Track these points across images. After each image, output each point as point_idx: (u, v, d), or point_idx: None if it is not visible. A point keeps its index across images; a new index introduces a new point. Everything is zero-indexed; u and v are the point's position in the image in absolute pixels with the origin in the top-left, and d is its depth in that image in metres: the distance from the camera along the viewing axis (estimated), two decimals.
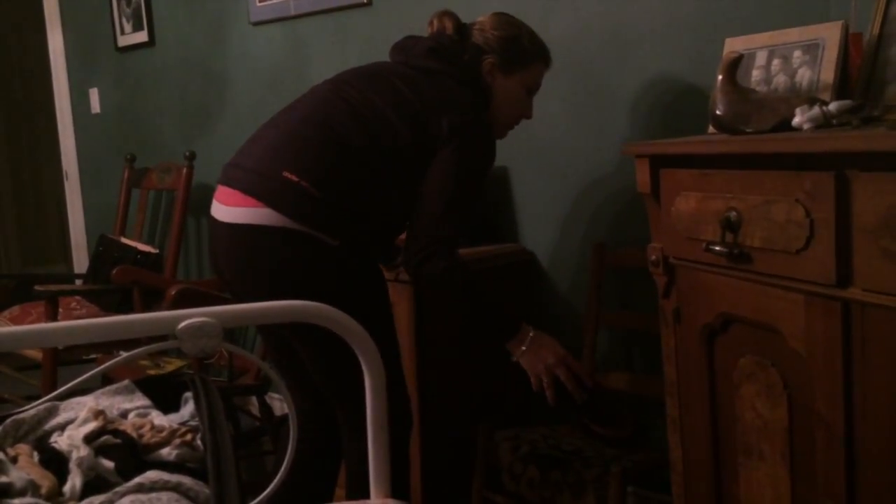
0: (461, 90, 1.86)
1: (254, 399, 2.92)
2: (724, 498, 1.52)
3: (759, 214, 1.31)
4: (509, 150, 2.52)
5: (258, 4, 3.37)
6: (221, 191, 1.80)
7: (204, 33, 3.69)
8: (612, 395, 2.25)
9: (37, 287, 2.99)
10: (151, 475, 1.16)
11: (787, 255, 1.26)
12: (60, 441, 1.25)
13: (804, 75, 1.65)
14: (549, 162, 2.51)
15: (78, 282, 3.91)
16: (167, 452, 1.25)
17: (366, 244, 1.79)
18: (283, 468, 1.24)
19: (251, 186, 1.73)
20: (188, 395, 1.44)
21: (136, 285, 3.05)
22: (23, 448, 1.24)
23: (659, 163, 1.57)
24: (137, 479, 1.16)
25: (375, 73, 1.88)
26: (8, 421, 1.31)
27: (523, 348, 1.83)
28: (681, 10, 2.17)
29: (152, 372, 2.67)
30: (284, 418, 2.69)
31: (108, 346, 2.98)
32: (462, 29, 1.96)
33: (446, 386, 2.35)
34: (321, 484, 2.00)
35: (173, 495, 1.13)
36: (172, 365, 2.78)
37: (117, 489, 1.14)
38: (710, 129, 1.62)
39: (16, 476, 1.14)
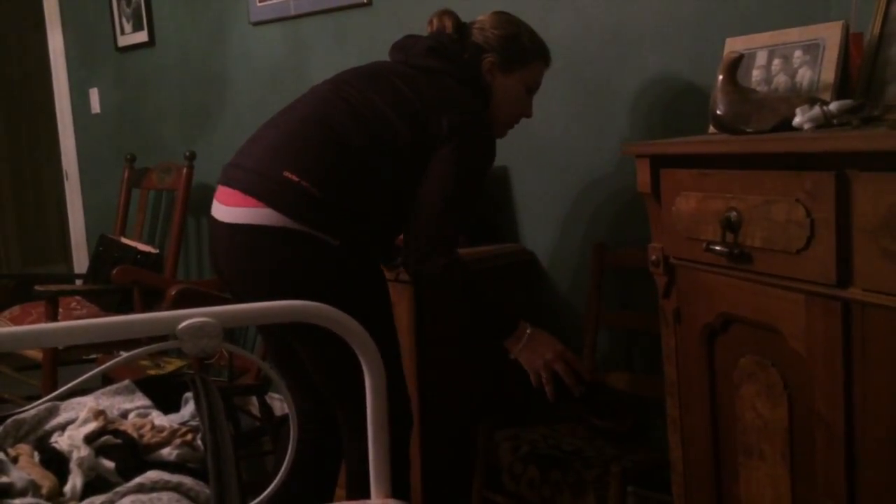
0: (461, 89, 1.86)
1: (254, 399, 2.92)
2: (725, 498, 1.52)
3: (760, 214, 1.31)
4: (509, 150, 2.52)
5: (258, 4, 3.37)
6: (221, 191, 1.80)
7: (204, 33, 3.69)
8: (610, 389, 2.25)
9: (37, 287, 2.99)
10: (152, 475, 1.16)
11: (787, 254, 1.26)
12: (61, 441, 1.25)
13: (804, 75, 1.65)
14: (550, 162, 2.51)
15: (78, 282, 3.91)
16: (168, 452, 1.25)
17: (366, 244, 1.79)
18: (283, 468, 1.24)
19: (251, 186, 1.73)
20: (188, 395, 1.44)
21: (137, 285, 3.05)
22: (23, 448, 1.24)
23: (659, 163, 1.57)
24: (138, 480, 1.16)
25: (375, 73, 1.88)
26: (8, 421, 1.32)
27: (521, 345, 1.84)
28: (681, 10, 2.17)
29: (152, 372, 2.67)
30: (284, 418, 2.69)
31: (109, 347, 2.98)
32: (462, 28, 1.96)
33: (446, 386, 2.35)
34: (321, 484, 2.00)
35: (174, 495, 1.13)
36: (172, 365, 2.78)
37: (118, 489, 1.15)
38: (711, 128, 1.62)
39: (16, 476, 1.14)
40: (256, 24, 3.41)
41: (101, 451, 1.23)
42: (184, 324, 1.04)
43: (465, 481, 2.30)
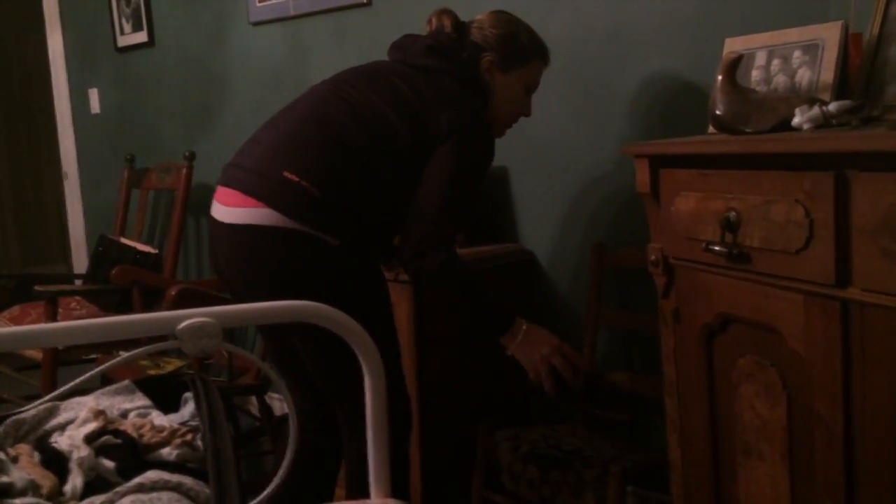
0: (460, 88, 1.86)
1: (254, 399, 2.92)
2: (724, 497, 1.52)
3: (759, 214, 1.31)
4: (509, 150, 2.53)
5: (258, 4, 3.37)
6: (221, 191, 1.80)
7: (204, 33, 3.69)
8: (609, 381, 2.25)
9: (36, 287, 2.99)
10: (152, 475, 1.17)
11: (786, 255, 1.26)
12: (61, 441, 1.26)
13: (804, 75, 1.66)
14: (549, 162, 2.51)
15: (78, 282, 3.91)
16: (167, 452, 1.26)
17: (366, 244, 1.79)
18: (282, 468, 1.24)
19: (251, 187, 1.73)
20: (188, 395, 1.44)
21: (136, 285, 3.05)
22: (23, 448, 1.24)
23: (658, 163, 1.57)
24: (138, 479, 1.16)
25: (374, 73, 1.88)
26: (8, 421, 1.32)
27: (518, 341, 1.84)
28: (681, 10, 2.17)
29: (152, 372, 2.67)
30: (284, 418, 2.69)
31: (108, 347, 2.98)
32: (461, 27, 1.96)
33: (446, 386, 2.35)
34: (321, 484, 2.00)
35: (174, 495, 1.13)
36: (172, 365, 2.78)
37: (118, 489, 1.15)
38: (710, 129, 1.62)
39: (17, 476, 1.15)
40: (256, 24, 3.41)
41: (101, 451, 1.23)
42: (183, 324, 1.04)
43: (465, 481, 2.30)
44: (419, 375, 2.27)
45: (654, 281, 1.63)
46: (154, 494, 1.12)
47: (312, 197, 1.70)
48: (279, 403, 3.25)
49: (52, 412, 1.35)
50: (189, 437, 1.29)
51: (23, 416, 1.33)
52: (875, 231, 1.12)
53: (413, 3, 2.77)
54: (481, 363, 2.41)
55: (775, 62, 1.71)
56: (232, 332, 3.25)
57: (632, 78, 2.30)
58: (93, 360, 3.16)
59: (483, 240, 2.54)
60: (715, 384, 1.50)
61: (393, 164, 1.78)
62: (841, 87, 1.61)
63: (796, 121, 1.41)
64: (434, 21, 1.98)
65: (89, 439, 1.24)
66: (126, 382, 1.47)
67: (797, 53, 1.67)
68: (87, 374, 1.14)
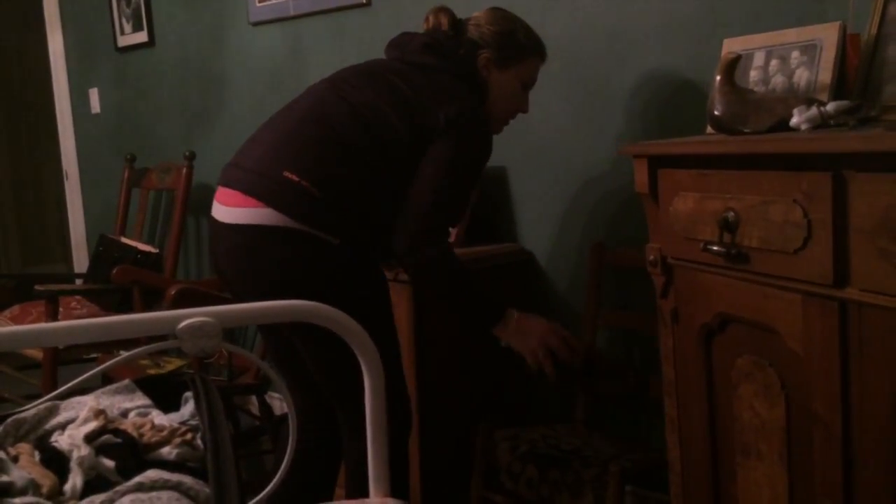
0: (458, 85, 1.86)
1: (254, 398, 2.92)
2: (722, 497, 1.52)
3: (757, 215, 1.31)
4: (508, 150, 2.53)
5: (258, 5, 3.37)
6: (222, 192, 1.81)
7: (204, 33, 3.69)
8: (607, 354, 2.26)
9: (37, 287, 2.99)
10: (152, 474, 1.17)
11: (784, 255, 1.26)
12: (61, 440, 1.26)
13: (802, 76, 1.66)
14: (548, 162, 2.52)
15: (78, 281, 3.91)
16: (167, 452, 1.26)
17: (366, 243, 1.80)
18: (282, 467, 1.24)
19: (251, 187, 1.73)
20: (188, 394, 1.44)
21: (136, 285, 3.05)
22: (24, 447, 1.25)
23: (657, 163, 1.57)
24: (138, 479, 1.16)
25: (373, 71, 1.88)
26: (9, 420, 1.32)
27: (511, 330, 1.84)
28: (680, 10, 2.17)
29: (152, 371, 2.67)
30: (284, 417, 2.69)
31: (109, 346, 2.99)
32: (458, 24, 1.96)
33: (446, 386, 2.36)
34: (320, 483, 2.00)
35: (174, 494, 1.14)
36: (172, 364, 2.78)
37: (118, 488, 1.15)
38: (709, 129, 1.63)
39: (17, 475, 1.15)
40: (256, 24, 3.41)
41: (101, 451, 1.23)
42: (183, 323, 1.05)
43: (464, 480, 2.30)
44: (419, 375, 2.27)
45: (653, 281, 1.63)
46: (154, 494, 1.13)
47: (312, 196, 1.71)
48: (279, 403, 3.25)
49: (52, 411, 1.35)
50: (189, 436, 1.29)
51: (23, 415, 1.33)
52: (873, 231, 1.12)
53: (412, 3, 2.78)
54: (481, 363, 2.41)
55: (773, 62, 1.72)
56: (232, 332, 3.26)
57: (631, 78, 2.30)
58: (93, 360, 3.16)
59: (482, 240, 2.54)
60: (714, 384, 1.51)
61: (392, 163, 1.78)
62: (839, 88, 1.61)
63: (794, 121, 1.41)
64: (431, 19, 1.98)
65: (89, 438, 1.24)
66: (126, 382, 1.48)
67: (795, 54, 1.68)
68: (88, 374, 1.14)
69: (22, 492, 1.12)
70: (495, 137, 1.95)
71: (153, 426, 1.30)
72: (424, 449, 2.30)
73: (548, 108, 2.46)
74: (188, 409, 1.41)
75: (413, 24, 2.03)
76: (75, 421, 1.31)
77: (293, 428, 1.27)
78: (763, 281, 1.32)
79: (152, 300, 3.07)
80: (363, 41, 3.00)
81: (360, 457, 1.66)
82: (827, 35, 1.63)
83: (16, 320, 3.33)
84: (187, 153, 3.54)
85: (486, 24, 1.94)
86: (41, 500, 1.13)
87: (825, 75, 1.62)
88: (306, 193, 1.70)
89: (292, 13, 3.23)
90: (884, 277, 1.11)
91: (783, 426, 1.33)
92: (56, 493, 1.15)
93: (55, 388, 2.50)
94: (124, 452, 1.23)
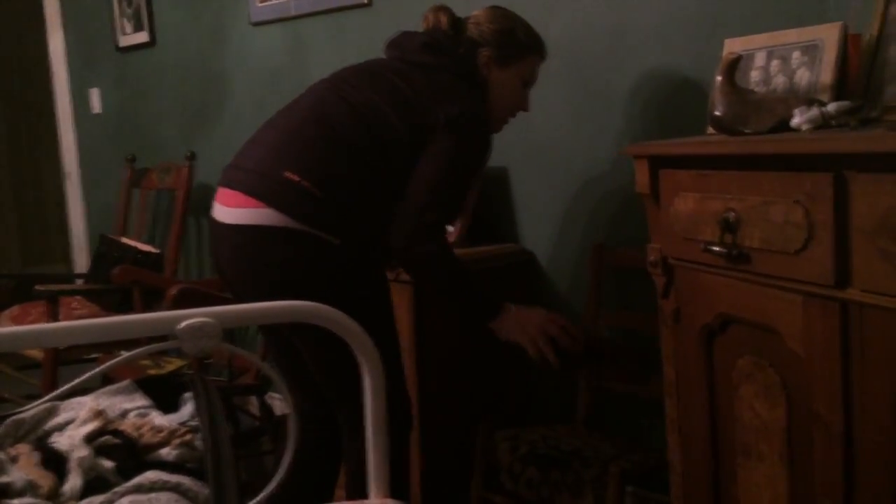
0: (458, 83, 1.86)
1: (254, 399, 2.92)
2: (723, 498, 1.52)
3: (758, 215, 1.31)
4: (509, 151, 2.53)
5: (258, 4, 3.37)
6: (222, 192, 1.80)
7: (204, 33, 3.69)
8: (607, 337, 2.26)
9: (37, 287, 2.99)
10: (151, 475, 1.17)
11: (785, 255, 1.26)
12: (60, 441, 1.26)
13: (803, 76, 1.65)
14: (549, 162, 2.51)
15: (79, 281, 3.91)
16: (166, 452, 1.26)
17: (367, 243, 1.79)
18: (282, 468, 1.24)
19: (252, 187, 1.73)
20: (188, 395, 1.44)
21: (137, 285, 3.05)
22: (23, 448, 1.25)
23: (658, 163, 1.57)
24: (137, 480, 1.16)
25: (373, 71, 1.88)
26: (8, 421, 1.32)
27: (509, 323, 1.84)
28: (680, 10, 2.17)
29: (153, 371, 2.67)
30: (284, 418, 2.69)
31: (109, 346, 2.98)
32: (457, 23, 1.96)
33: (446, 386, 2.35)
34: (320, 484, 2.00)
35: (172, 495, 1.14)
36: (173, 365, 2.78)
37: (116, 489, 1.15)
38: (709, 129, 1.62)
39: (16, 476, 1.15)
40: (256, 24, 3.41)
41: (101, 451, 1.23)
42: (183, 324, 1.04)
43: (464, 481, 2.30)
44: (419, 376, 2.27)
45: (654, 281, 1.63)
46: (153, 495, 1.13)
47: (313, 197, 1.70)
48: (279, 403, 3.25)
49: (51, 412, 1.35)
50: (188, 437, 1.29)
51: (22, 416, 1.33)
52: (874, 232, 1.12)
53: (413, 3, 2.77)
54: (481, 364, 2.41)
55: (774, 63, 1.71)
56: (232, 332, 3.25)
57: (631, 78, 2.30)
58: (93, 360, 3.16)
59: (483, 240, 2.54)
60: (714, 385, 1.50)
61: (393, 163, 1.78)
62: (840, 88, 1.60)
63: (795, 121, 1.41)
64: (430, 18, 1.98)
65: (89, 439, 1.24)
66: (126, 382, 1.48)
67: (796, 54, 1.67)
68: (88, 374, 1.14)
69: (21, 492, 1.12)
70: (496, 138, 1.95)
71: (152, 427, 1.30)
72: (425, 449, 2.29)
73: (548, 108, 2.46)
74: (187, 409, 1.41)
75: (414, 24, 2.03)
76: (75, 422, 1.31)
77: (293, 428, 1.27)
78: (764, 282, 1.32)
79: (153, 300, 3.07)
80: (364, 41, 2.99)
81: (360, 457, 1.65)
82: (828, 35, 1.63)
83: (16, 320, 3.33)
84: (188, 153, 3.54)
85: (485, 23, 1.94)
86: (40, 500, 1.12)
87: (826, 76, 1.61)
88: (307, 193, 1.70)
89: (293, 13, 3.23)
90: (885, 278, 1.11)
91: (784, 427, 1.33)
92: (55, 493, 1.15)
93: (55, 389, 2.50)
94: (123, 453, 1.23)
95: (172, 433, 1.28)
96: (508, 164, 2.60)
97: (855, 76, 1.56)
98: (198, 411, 1.35)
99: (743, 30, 1.95)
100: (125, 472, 1.19)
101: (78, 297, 3.49)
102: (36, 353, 3.00)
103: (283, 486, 1.28)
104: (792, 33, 1.70)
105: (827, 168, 1.18)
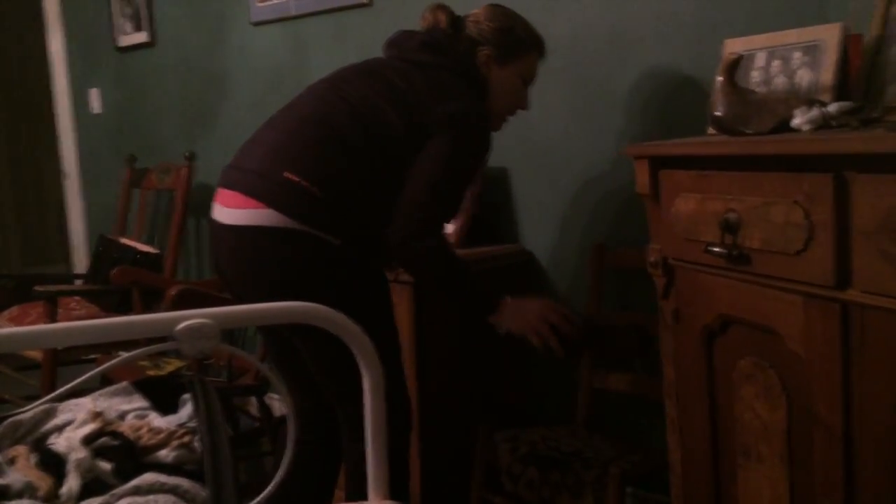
0: (457, 82, 1.86)
1: (253, 399, 2.92)
2: (723, 499, 1.52)
3: (758, 216, 1.30)
4: (509, 151, 2.52)
5: (258, 4, 3.37)
6: (222, 193, 1.80)
7: (204, 33, 3.69)
8: (604, 321, 2.26)
9: (36, 287, 2.99)
10: (149, 477, 1.17)
11: (785, 256, 1.26)
12: (58, 443, 1.25)
13: (804, 76, 1.65)
14: (549, 162, 2.51)
15: (78, 282, 3.91)
16: (165, 454, 1.25)
17: (367, 243, 1.79)
18: (281, 469, 1.24)
19: (252, 188, 1.73)
20: (186, 396, 1.44)
21: (136, 286, 3.05)
22: (21, 450, 1.24)
23: (658, 164, 1.57)
24: (135, 482, 1.16)
25: (372, 70, 1.88)
26: (6, 422, 1.32)
27: (508, 315, 1.83)
28: (681, 10, 2.17)
29: (151, 372, 2.66)
30: (283, 419, 2.68)
31: (108, 347, 2.98)
32: (456, 22, 1.96)
33: (446, 387, 2.35)
34: (320, 485, 2.00)
35: (170, 498, 1.13)
36: (172, 365, 2.77)
37: (115, 491, 1.15)
38: (710, 130, 1.62)
39: (13, 478, 1.14)
40: (256, 24, 3.40)
41: (99, 453, 1.23)
42: (181, 325, 1.04)
43: (464, 482, 2.30)
44: (419, 376, 2.27)
45: (654, 282, 1.63)
46: (151, 497, 1.12)
47: (313, 197, 1.70)
48: (279, 404, 3.25)
49: (49, 413, 1.35)
50: (186, 438, 1.29)
51: (20, 417, 1.33)
52: (875, 233, 1.12)
53: (413, 3, 2.77)
54: (481, 364, 2.41)
55: (775, 63, 1.71)
56: (231, 333, 3.25)
57: (632, 79, 2.29)
58: (92, 361, 3.16)
59: (483, 241, 2.54)
60: (714, 385, 1.50)
61: (392, 162, 1.77)
62: (841, 89, 1.60)
63: (796, 122, 1.41)
64: (429, 16, 1.98)
65: (87, 441, 1.23)
66: (124, 384, 1.47)
67: (797, 54, 1.67)
68: (87, 375, 1.13)
69: (18, 494, 1.12)
70: (496, 137, 1.94)
71: (150, 428, 1.30)
72: (425, 450, 2.29)
73: (549, 108, 2.46)
74: (186, 411, 1.40)
75: (414, 24, 2.03)
76: (73, 423, 1.30)
77: (292, 429, 1.26)
78: (764, 282, 1.32)
79: (152, 301, 3.06)
80: (364, 41, 2.99)
81: (359, 458, 1.65)
82: (829, 36, 1.63)
83: (15, 321, 3.33)
84: (187, 153, 3.54)
85: (484, 21, 1.94)
86: (38, 502, 1.12)
87: (827, 76, 1.61)
88: (307, 194, 1.70)
89: (293, 13, 3.23)
90: (886, 279, 1.11)
91: (784, 428, 1.33)
92: (53, 495, 1.14)
93: (54, 389, 2.49)
94: (121, 455, 1.22)
95: (171, 435, 1.28)
96: (508, 164, 2.59)
97: (855, 76, 1.56)
98: (196, 413, 1.35)
99: (743, 30, 1.95)
100: (123, 473, 1.18)
101: (77, 298, 3.49)
102: (35, 354, 3.00)
103: (283, 486, 1.27)
104: (792, 34, 1.70)
105: (827, 169, 1.18)
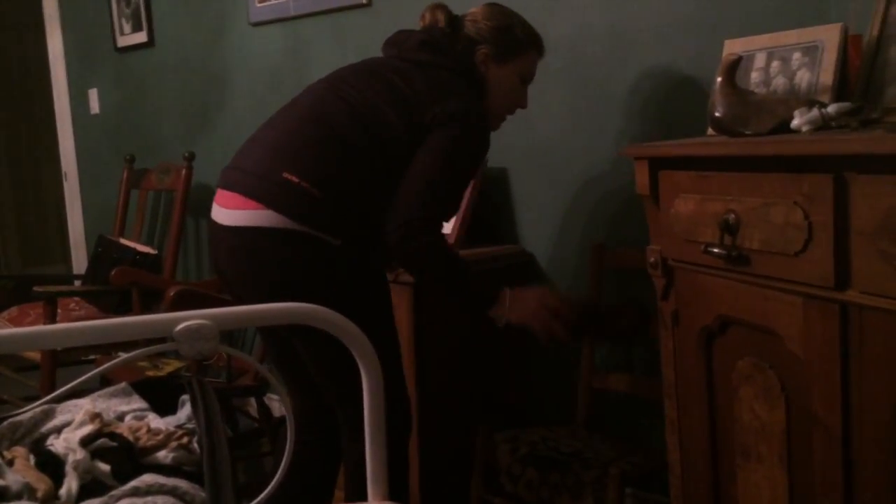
0: (456, 81, 1.86)
1: (253, 400, 2.92)
2: (722, 499, 1.52)
3: (758, 217, 1.30)
4: (509, 151, 2.52)
5: (258, 5, 3.37)
6: (221, 194, 1.80)
7: (203, 34, 3.69)
8: (602, 302, 2.27)
9: (36, 288, 2.99)
10: (147, 479, 1.16)
11: (785, 257, 1.26)
12: (57, 444, 1.25)
13: (803, 77, 1.65)
14: (549, 163, 2.51)
15: (77, 282, 3.90)
16: (163, 455, 1.25)
17: (367, 244, 1.79)
18: (280, 470, 1.24)
19: (251, 189, 1.73)
20: (185, 397, 1.43)
21: (135, 286, 3.05)
22: (19, 451, 1.24)
23: (658, 165, 1.57)
24: (133, 483, 1.16)
25: (371, 70, 1.87)
26: (4, 424, 1.31)
27: (508, 308, 1.83)
28: (680, 11, 2.16)
29: (151, 373, 2.66)
30: (283, 419, 2.68)
31: (107, 348, 2.98)
32: (454, 21, 1.96)
33: (445, 387, 2.35)
34: (320, 486, 2.00)
35: (169, 499, 1.13)
36: (171, 366, 2.77)
37: (113, 493, 1.14)
38: (709, 130, 1.62)
39: (12, 479, 1.14)
40: (256, 24, 3.40)
41: (97, 454, 1.22)
42: (180, 326, 1.04)
43: (464, 482, 2.30)
44: (419, 377, 2.27)
45: (654, 283, 1.63)
46: (149, 498, 1.12)
47: (313, 197, 1.70)
48: (278, 405, 3.25)
49: (48, 415, 1.34)
50: (185, 440, 1.29)
51: (19, 418, 1.32)
52: (874, 233, 1.12)
53: (413, 3, 2.77)
54: (481, 365, 2.41)
55: (775, 64, 1.71)
56: (231, 333, 3.25)
57: (631, 79, 2.29)
58: (91, 361, 3.16)
59: (482, 241, 2.54)
60: (714, 386, 1.50)
61: (392, 162, 1.77)
62: (840, 89, 1.60)
63: (795, 123, 1.40)
64: (427, 16, 1.98)
65: (85, 442, 1.23)
66: (122, 385, 1.47)
67: (797, 55, 1.67)
68: (86, 376, 1.13)
69: (17, 496, 1.11)
70: (496, 137, 1.94)
71: (149, 430, 1.29)
72: (424, 451, 2.29)
73: (548, 109, 2.45)
74: (184, 412, 1.40)
75: (413, 24, 2.03)
76: (71, 424, 1.30)
77: (291, 430, 1.26)
78: (764, 283, 1.32)
79: (151, 301, 3.06)
80: (363, 41, 2.99)
81: (359, 458, 1.65)
82: (828, 36, 1.63)
83: (14, 322, 3.33)
84: (187, 154, 3.53)
85: (483, 20, 1.94)
86: None
87: (826, 77, 1.61)
88: (306, 194, 1.70)
89: (292, 13, 3.22)
90: (885, 280, 1.11)
91: (783, 428, 1.33)
92: (51, 497, 1.14)
93: (53, 390, 2.49)
94: (120, 456, 1.22)
95: (169, 436, 1.27)
96: (508, 164, 2.59)
97: (855, 77, 1.56)
98: (194, 414, 1.34)
99: (743, 30, 1.95)
100: (122, 475, 1.18)
101: (76, 299, 3.49)
102: (34, 355, 3.00)
103: (282, 487, 1.27)
104: (792, 34, 1.70)
105: (827, 169, 1.18)
